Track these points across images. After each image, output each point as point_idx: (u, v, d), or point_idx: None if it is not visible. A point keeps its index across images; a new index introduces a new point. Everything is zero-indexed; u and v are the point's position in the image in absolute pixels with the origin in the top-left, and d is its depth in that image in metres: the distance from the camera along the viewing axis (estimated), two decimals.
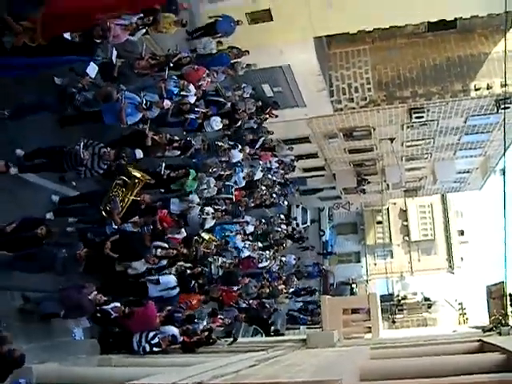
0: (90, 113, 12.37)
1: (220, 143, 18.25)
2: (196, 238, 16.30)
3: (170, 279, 14.34)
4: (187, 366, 9.50)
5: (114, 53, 12.39)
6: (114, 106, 12.15)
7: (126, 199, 12.14)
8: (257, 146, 22.19)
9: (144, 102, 12.66)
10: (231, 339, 16.22)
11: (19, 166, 10.84)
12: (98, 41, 11.47)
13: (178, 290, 14.49)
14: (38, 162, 11.13)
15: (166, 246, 14.08)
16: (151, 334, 12.63)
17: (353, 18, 20.27)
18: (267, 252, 23.70)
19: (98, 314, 11.00)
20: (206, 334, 14.59)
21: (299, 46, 21.55)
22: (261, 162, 22.81)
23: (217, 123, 17.55)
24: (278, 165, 25.60)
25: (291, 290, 27.93)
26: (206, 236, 16.84)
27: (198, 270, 15.78)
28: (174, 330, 13.26)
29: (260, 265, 22.35)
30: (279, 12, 19.68)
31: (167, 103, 13.79)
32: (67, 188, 12.51)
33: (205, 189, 16.76)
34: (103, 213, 11.90)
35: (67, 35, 10.38)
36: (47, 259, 9.82)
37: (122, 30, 12.49)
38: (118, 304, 11.24)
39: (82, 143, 10.72)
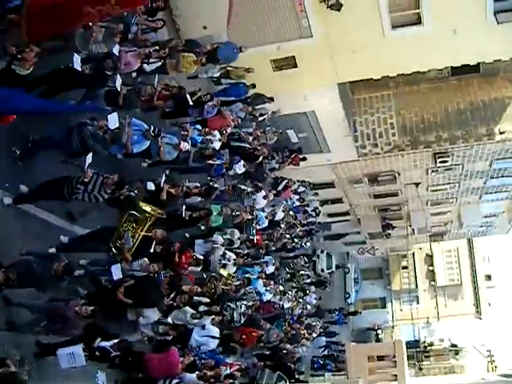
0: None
1: (243, 186, 18.31)
2: (214, 274, 16.09)
3: (215, 328, 14.45)
4: None
5: (119, 79, 11.92)
6: (120, 138, 11.65)
7: (137, 235, 11.66)
8: (279, 188, 22.21)
9: (152, 128, 12.37)
10: None
11: (15, 197, 10.65)
12: (109, 73, 11.56)
13: (217, 341, 14.60)
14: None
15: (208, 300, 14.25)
16: (175, 382, 12.55)
17: (376, 64, 20.38)
18: (289, 293, 23.62)
19: (97, 353, 10.40)
20: (230, 381, 14.47)
21: (323, 92, 21.71)
22: (284, 202, 22.84)
23: (240, 167, 17.63)
24: (299, 203, 25.56)
25: (314, 334, 27.72)
26: (224, 272, 16.53)
27: (217, 309, 15.46)
28: (193, 377, 13.16)
29: (281, 308, 22.27)
30: (304, 58, 19.86)
31: (185, 145, 13.64)
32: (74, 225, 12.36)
33: (229, 239, 16.81)
34: (113, 249, 11.52)
35: (77, 65, 10.36)
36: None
37: (133, 56, 12.43)
38: (117, 341, 10.70)
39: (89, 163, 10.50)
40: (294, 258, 28.20)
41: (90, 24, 10.63)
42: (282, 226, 23.25)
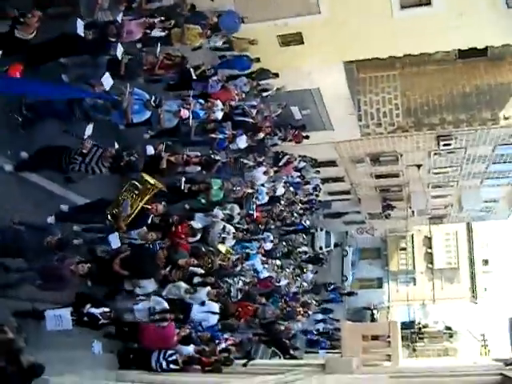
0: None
1: (245, 160, 18.25)
2: (211, 249, 16.08)
3: (215, 304, 14.54)
4: None
5: (120, 48, 11.66)
6: (121, 104, 11.59)
7: (136, 205, 11.43)
8: (281, 164, 22.15)
9: (153, 98, 12.21)
10: (245, 360, 16.17)
11: (17, 164, 10.65)
12: (113, 39, 11.36)
13: (218, 317, 14.72)
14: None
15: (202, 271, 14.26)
16: (169, 352, 12.64)
17: (383, 44, 20.24)
18: (287, 270, 23.68)
19: (86, 318, 10.37)
20: (225, 354, 14.56)
21: (329, 70, 21.59)
22: (284, 177, 22.78)
23: (242, 141, 17.53)
24: (300, 179, 25.51)
25: (310, 312, 27.87)
26: (222, 248, 16.45)
27: (211, 280, 15.40)
28: (189, 350, 13.24)
29: (278, 284, 22.33)
30: (310, 35, 19.70)
31: (185, 113, 13.50)
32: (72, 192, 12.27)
33: (228, 214, 16.80)
34: (108, 217, 11.37)
35: (80, 31, 10.25)
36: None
37: (136, 25, 12.26)
38: (107, 309, 10.65)
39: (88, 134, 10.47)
40: (293, 233, 28.20)
41: None
42: (282, 202, 23.25)
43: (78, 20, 10.30)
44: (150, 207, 11.96)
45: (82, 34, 10.35)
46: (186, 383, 10.90)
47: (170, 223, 13.55)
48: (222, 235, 16.20)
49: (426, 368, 15.73)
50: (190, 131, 14.62)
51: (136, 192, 11.40)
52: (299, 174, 25.28)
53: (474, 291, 49.21)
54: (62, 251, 9.54)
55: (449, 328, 47.77)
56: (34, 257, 9.32)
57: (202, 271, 14.93)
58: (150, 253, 12.19)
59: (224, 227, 16.44)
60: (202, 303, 14.18)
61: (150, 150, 12.74)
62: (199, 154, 14.82)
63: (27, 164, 10.81)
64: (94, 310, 10.40)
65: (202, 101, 14.99)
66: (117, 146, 11.11)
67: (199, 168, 14.81)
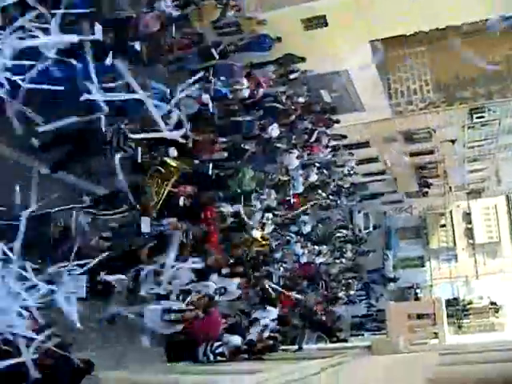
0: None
1: (278, 144, 18.12)
2: (246, 237, 16.03)
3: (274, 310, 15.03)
4: (252, 373, 9.52)
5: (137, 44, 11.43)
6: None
7: (162, 190, 11.44)
8: (312, 140, 21.94)
9: (169, 91, 11.82)
10: (296, 347, 16.27)
11: (51, 166, 10.52)
12: (131, 43, 11.29)
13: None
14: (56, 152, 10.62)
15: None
16: (216, 345, 12.73)
17: (409, 20, 20.02)
18: (324, 247, 23.66)
19: (100, 286, 10.02)
20: (271, 341, 14.63)
21: (356, 50, 21.35)
22: (316, 158, 22.56)
23: (275, 130, 17.27)
24: (331, 156, 25.20)
25: (351, 292, 27.79)
26: (257, 234, 16.36)
27: (240, 270, 15.08)
28: (237, 340, 13.31)
29: (317, 260, 22.30)
30: (335, 17, 19.54)
31: (206, 97, 13.26)
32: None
33: (265, 199, 16.72)
34: (136, 206, 11.19)
35: (99, 35, 9.85)
36: None
37: (152, 18, 12.09)
38: (123, 276, 10.44)
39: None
40: (330, 219, 28.06)
41: None
42: (320, 191, 23.20)
43: (97, 24, 10.17)
44: (177, 190, 11.87)
45: (101, 39, 10.21)
46: (237, 371, 10.94)
47: (198, 206, 13.37)
48: (262, 221, 16.17)
49: (474, 344, 15.60)
50: (213, 115, 14.24)
51: (160, 178, 11.42)
52: (330, 150, 24.77)
53: None
54: (67, 240, 9.13)
55: (494, 303, 47.15)
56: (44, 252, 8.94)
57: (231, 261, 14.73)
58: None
59: (262, 216, 16.45)
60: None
61: (173, 153, 12.10)
62: (225, 139, 14.55)
63: (60, 163, 10.67)
64: (108, 278, 10.18)
65: (223, 78, 14.67)
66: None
67: (226, 154, 14.45)
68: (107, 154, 10.61)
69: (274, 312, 16.16)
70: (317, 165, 22.55)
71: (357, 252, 31.88)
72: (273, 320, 15.44)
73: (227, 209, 14.53)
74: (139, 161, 10.93)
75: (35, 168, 10.14)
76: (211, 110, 13.99)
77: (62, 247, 9.18)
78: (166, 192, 11.53)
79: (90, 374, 8.85)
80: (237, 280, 14.42)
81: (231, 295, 14.23)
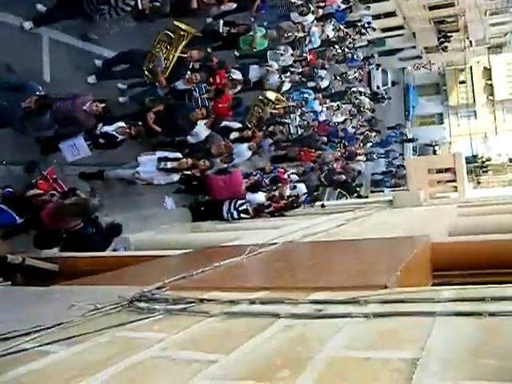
0: None
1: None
2: (260, 98, 15.76)
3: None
4: (276, 228, 9.74)
5: None
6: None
7: (171, 56, 10.96)
8: None
9: None
10: (320, 203, 16.58)
11: (34, 19, 9.96)
12: None
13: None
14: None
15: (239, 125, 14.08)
16: (240, 202, 12.95)
17: None
18: (344, 106, 23.48)
19: (101, 140, 9.63)
20: (293, 198, 14.86)
21: None
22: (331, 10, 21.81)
23: None
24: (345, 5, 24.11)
25: (369, 144, 27.79)
26: (271, 96, 15.98)
27: (248, 134, 14.36)
28: (260, 197, 13.52)
29: (335, 119, 22.22)
30: None
31: None
32: (95, 46, 11.59)
33: (281, 55, 16.36)
34: (146, 72, 10.99)
35: None
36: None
37: None
38: (122, 124, 9.84)
39: None
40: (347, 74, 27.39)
41: None
42: (337, 46, 22.63)
43: None
44: (185, 55, 11.46)
45: None
46: (262, 227, 11.15)
47: (210, 68, 13.06)
48: (279, 80, 15.99)
49: (492, 196, 15.71)
50: None
51: (169, 42, 10.97)
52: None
53: None
54: (47, 110, 8.49)
55: None
56: (18, 122, 8.40)
57: (239, 125, 14.39)
58: (185, 109, 11.80)
59: (280, 77, 16.22)
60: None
61: None
62: None
63: (47, 17, 10.10)
64: (107, 128, 9.70)
65: None
66: None
67: (235, 5, 13.59)
68: (105, 15, 9.88)
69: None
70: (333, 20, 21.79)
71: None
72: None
73: (237, 76, 14.12)
74: (140, 8, 10.37)
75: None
76: None
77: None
78: (175, 58, 11.11)
79: (119, 236, 9.19)
80: (246, 145, 14.05)
81: (243, 157, 14.12)
